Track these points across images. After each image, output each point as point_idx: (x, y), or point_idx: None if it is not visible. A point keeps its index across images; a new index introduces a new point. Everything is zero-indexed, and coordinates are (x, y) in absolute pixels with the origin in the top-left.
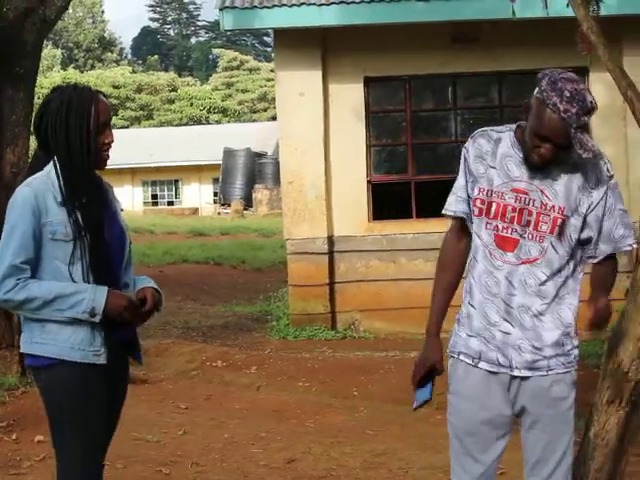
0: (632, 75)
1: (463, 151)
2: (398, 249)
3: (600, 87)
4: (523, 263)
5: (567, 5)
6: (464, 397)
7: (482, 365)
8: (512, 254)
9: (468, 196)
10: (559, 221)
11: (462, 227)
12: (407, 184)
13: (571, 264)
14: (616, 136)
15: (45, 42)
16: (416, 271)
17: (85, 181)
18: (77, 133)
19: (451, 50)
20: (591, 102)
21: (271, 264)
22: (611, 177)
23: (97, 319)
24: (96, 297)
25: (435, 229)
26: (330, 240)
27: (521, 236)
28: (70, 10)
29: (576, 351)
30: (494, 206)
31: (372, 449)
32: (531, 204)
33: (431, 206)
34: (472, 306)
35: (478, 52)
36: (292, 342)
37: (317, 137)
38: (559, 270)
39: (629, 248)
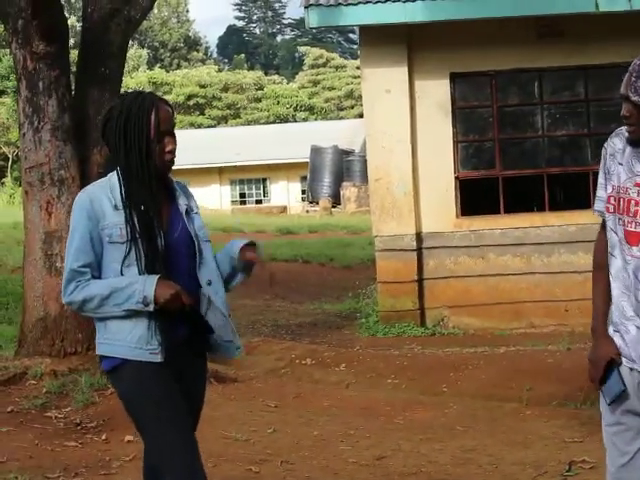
0: None
1: (602, 151)
2: (486, 244)
3: None
4: None
5: None
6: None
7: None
8: (637, 248)
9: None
10: None
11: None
12: (494, 179)
13: None
14: None
15: (130, 42)
16: (504, 266)
17: (142, 187)
18: (135, 142)
19: (536, 45)
20: None
21: (360, 261)
22: None
23: (151, 307)
24: (146, 286)
25: (523, 224)
26: (418, 237)
27: None
28: (155, 10)
29: None
30: (622, 202)
31: (461, 445)
32: None
33: (519, 201)
34: (611, 301)
35: (563, 46)
36: (381, 339)
37: (404, 134)
38: None
39: None
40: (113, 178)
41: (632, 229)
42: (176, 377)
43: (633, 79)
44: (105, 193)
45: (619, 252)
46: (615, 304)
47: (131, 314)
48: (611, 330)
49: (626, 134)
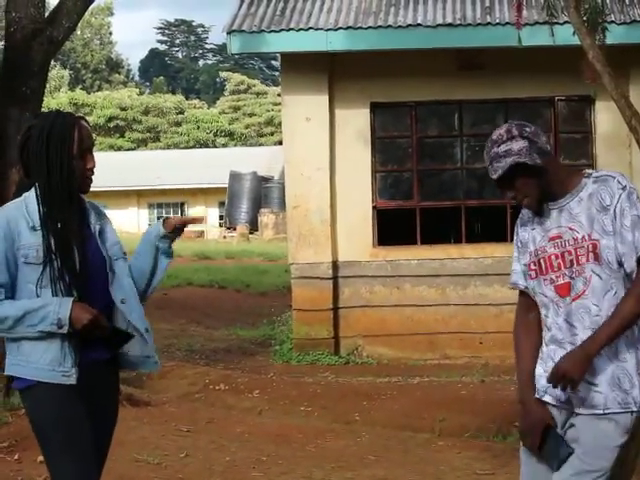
0: (638, 105)
1: (515, 226)
2: (402, 275)
3: (605, 116)
4: (574, 300)
5: (573, 34)
6: None
7: (547, 398)
8: (569, 297)
9: (523, 265)
10: (590, 247)
11: (528, 299)
12: (412, 210)
13: (621, 290)
14: (621, 164)
15: (52, 62)
16: (420, 297)
17: (62, 207)
18: (57, 159)
19: (457, 77)
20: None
21: (275, 288)
22: (623, 188)
23: (65, 330)
24: (61, 308)
25: (439, 255)
26: (334, 265)
27: (571, 277)
28: (78, 31)
29: (636, 392)
30: (542, 262)
31: (373, 474)
32: (567, 244)
33: (436, 232)
34: (542, 354)
35: (484, 79)
36: (295, 366)
37: (323, 162)
38: (607, 299)
39: None
40: (29, 198)
41: (561, 282)
42: (89, 398)
43: (490, 167)
44: (22, 213)
45: (553, 311)
46: (546, 355)
47: (44, 336)
48: (540, 370)
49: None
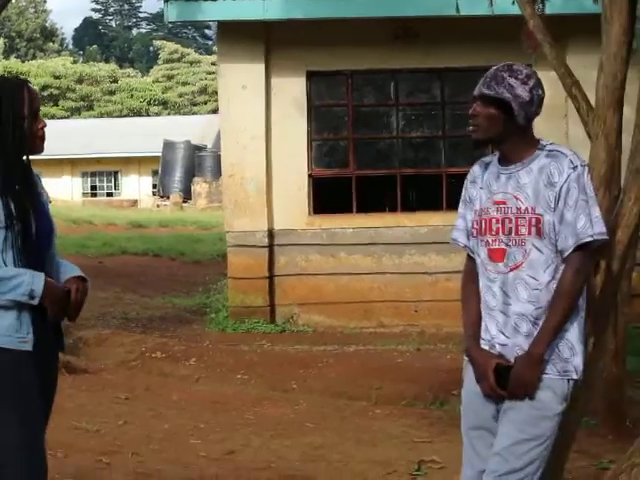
0: (577, 74)
1: (465, 181)
2: (338, 243)
3: (544, 85)
4: (511, 270)
5: (513, 3)
6: (471, 394)
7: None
8: (502, 264)
9: (468, 222)
10: (533, 220)
11: (475, 265)
12: (348, 179)
13: (560, 265)
14: (558, 134)
15: None
16: (355, 266)
17: (19, 169)
18: (9, 121)
19: (393, 46)
20: (512, 68)
21: (210, 257)
22: (574, 168)
23: (36, 302)
24: (34, 281)
25: (375, 224)
26: (270, 233)
27: (507, 245)
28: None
29: (577, 360)
30: (483, 223)
31: (311, 442)
32: (509, 212)
33: (372, 201)
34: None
35: (420, 48)
36: (231, 335)
37: (259, 130)
38: (548, 273)
39: (589, 239)
40: None
41: (496, 246)
42: (39, 363)
43: (487, 80)
44: None
45: (482, 273)
46: (482, 323)
47: (7, 304)
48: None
49: (485, 160)
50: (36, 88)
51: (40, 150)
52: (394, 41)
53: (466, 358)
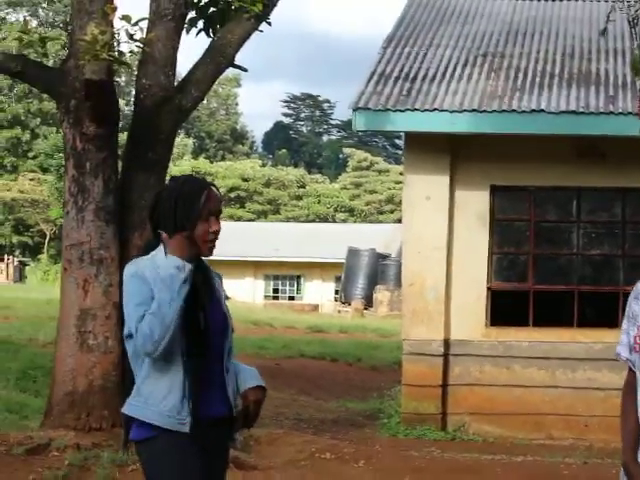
0: None
1: (629, 297)
2: (513, 356)
3: None
4: None
5: None
6: None
7: None
8: None
9: (631, 338)
10: None
11: (635, 379)
12: (526, 292)
13: None
14: None
15: (178, 130)
16: (529, 378)
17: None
18: (184, 217)
19: (576, 163)
20: None
21: (387, 363)
22: None
23: (187, 270)
24: (166, 267)
25: (551, 338)
26: (446, 343)
27: None
28: (205, 101)
29: None
30: None
31: None
32: None
33: (548, 315)
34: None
35: (604, 167)
36: (402, 440)
37: (440, 241)
38: None
39: None
40: (157, 257)
41: None
42: (204, 453)
43: None
44: (152, 267)
45: None
46: None
47: (167, 377)
48: None
49: None
50: (222, 191)
51: (206, 253)
52: (578, 159)
53: (622, 470)
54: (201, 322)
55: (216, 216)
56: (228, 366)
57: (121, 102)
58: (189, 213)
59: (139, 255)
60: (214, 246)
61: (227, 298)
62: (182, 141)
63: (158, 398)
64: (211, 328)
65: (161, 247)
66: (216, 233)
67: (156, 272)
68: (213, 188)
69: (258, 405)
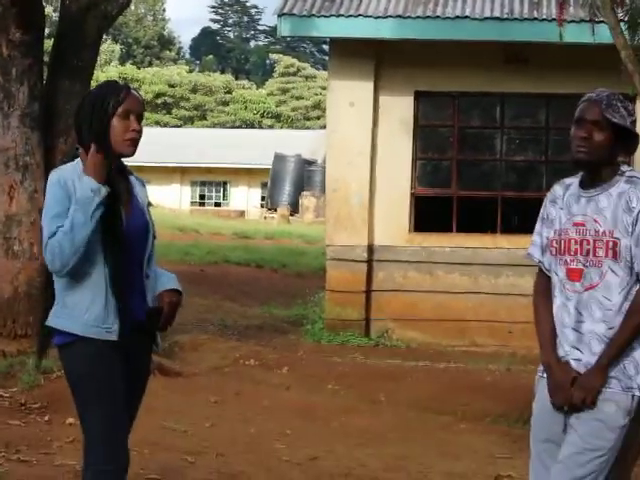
0: None
1: (544, 200)
2: (436, 262)
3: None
4: (587, 290)
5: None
6: (542, 408)
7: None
8: (579, 283)
9: (546, 239)
10: (610, 244)
11: (548, 281)
12: (449, 198)
13: (634, 288)
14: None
15: (104, 37)
16: (452, 284)
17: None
18: (98, 118)
19: (501, 69)
20: (620, 98)
21: (312, 270)
22: None
23: (103, 192)
24: (82, 189)
25: (474, 244)
26: (370, 249)
27: (584, 265)
28: (132, 7)
29: None
30: (563, 243)
31: (394, 452)
32: (587, 234)
33: (472, 221)
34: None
35: (527, 73)
36: (325, 346)
37: (364, 147)
38: (622, 295)
39: None
40: (79, 162)
41: (574, 266)
42: (126, 356)
43: (604, 106)
44: (76, 174)
45: (559, 292)
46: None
47: (88, 288)
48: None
49: (566, 181)
50: (149, 97)
51: (127, 153)
52: (502, 65)
53: (539, 372)
54: (119, 229)
55: (136, 117)
56: (148, 272)
57: (49, 8)
58: (105, 113)
59: (64, 162)
60: (136, 147)
61: (150, 205)
62: (109, 47)
63: (82, 309)
64: (132, 234)
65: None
66: (137, 132)
67: (79, 177)
68: (133, 91)
69: (173, 307)
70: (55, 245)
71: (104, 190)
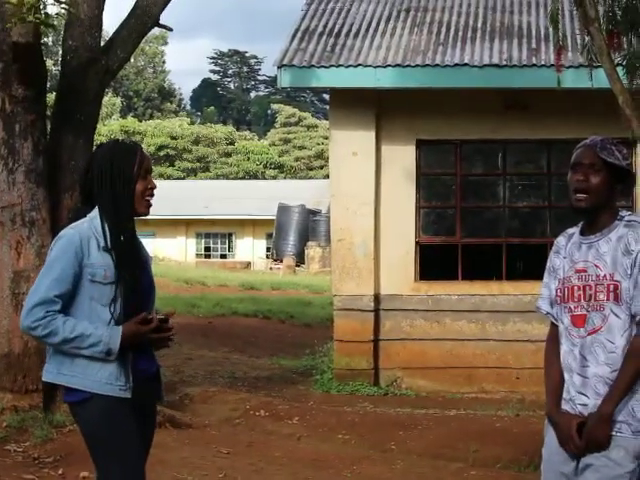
0: None
1: (550, 253)
2: (443, 309)
3: None
4: (590, 334)
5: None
6: (551, 452)
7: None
8: (583, 329)
9: (552, 291)
10: (611, 287)
11: (557, 330)
12: (454, 246)
13: (634, 328)
14: None
15: (105, 90)
16: (460, 332)
17: (127, 227)
18: (121, 180)
19: (502, 116)
20: (613, 142)
21: (319, 320)
22: None
23: (112, 358)
24: (111, 339)
25: (480, 291)
26: (376, 298)
27: (587, 310)
28: (132, 59)
29: None
30: (566, 291)
31: None
32: (589, 279)
33: (477, 268)
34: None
35: (528, 119)
36: (335, 396)
37: (368, 196)
38: (625, 337)
39: None
40: (95, 221)
41: (578, 312)
42: (139, 409)
43: (598, 149)
44: (92, 234)
45: (565, 338)
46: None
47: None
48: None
49: (569, 231)
50: (151, 149)
51: (145, 212)
52: (503, 112)
53: (547, 420)
54: (139, 289)
55: (150, 173)
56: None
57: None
58: (127, 172)
59: (71, 217)
60: (151, 204)
61: (150, 259)
62: (110, 100)
63: (95, 367)
64: (142, 293)
65: (96, 210)
66: (152, 190)
67: (95, 236)
68: (142, 148)
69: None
70: (54, 326)
71: (114, 356)
